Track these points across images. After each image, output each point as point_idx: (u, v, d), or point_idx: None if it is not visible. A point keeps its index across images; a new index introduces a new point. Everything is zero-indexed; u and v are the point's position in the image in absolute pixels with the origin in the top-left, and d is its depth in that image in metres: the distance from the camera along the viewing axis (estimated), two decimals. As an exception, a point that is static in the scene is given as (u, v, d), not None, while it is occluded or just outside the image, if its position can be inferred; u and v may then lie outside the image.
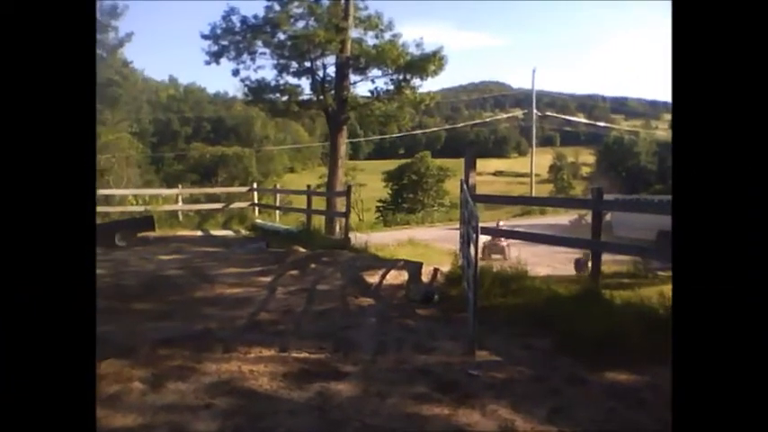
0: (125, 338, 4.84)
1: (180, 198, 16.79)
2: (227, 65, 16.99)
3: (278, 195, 17.83)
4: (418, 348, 4.66)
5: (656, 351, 3.76)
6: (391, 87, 17.38)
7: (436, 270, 7.61)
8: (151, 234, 12.89)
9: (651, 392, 3.67)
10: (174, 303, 6.36)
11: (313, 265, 8.35)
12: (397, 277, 7.35)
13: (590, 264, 6.77)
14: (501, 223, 14.63)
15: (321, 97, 17.08)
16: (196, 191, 20.57)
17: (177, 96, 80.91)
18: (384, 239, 12.53)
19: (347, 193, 12.10)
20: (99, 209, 15.12)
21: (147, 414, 3.38)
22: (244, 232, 14.60)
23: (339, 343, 4.77)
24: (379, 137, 59.55)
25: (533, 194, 33.87)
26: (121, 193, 17.89)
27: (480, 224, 5.92)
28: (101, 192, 17.10)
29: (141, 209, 15.33)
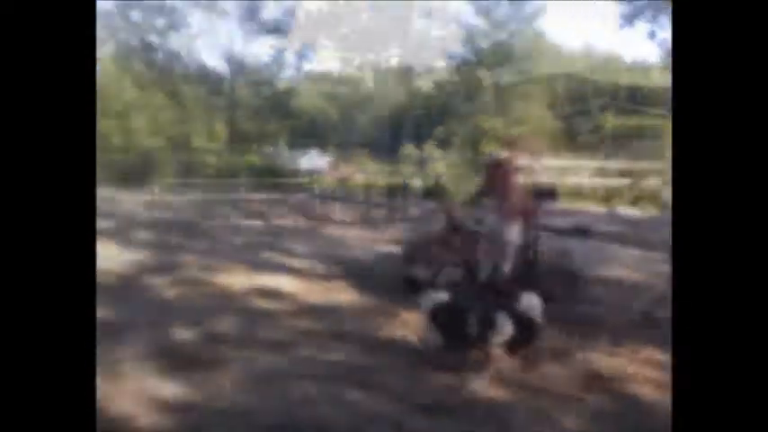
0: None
1: (585, 171, 16.50)
2: (642, 28, 15.61)
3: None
4: None
5: None
6: None
7: None
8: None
9: None
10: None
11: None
12: None
13: None
14: None
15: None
16: (600, 164, 19.89)
17: (592, 66, 79.75)
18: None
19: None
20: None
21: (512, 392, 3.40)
22: (654, 212, 13.43)
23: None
24: None
25: None
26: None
27: None
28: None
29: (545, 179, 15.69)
